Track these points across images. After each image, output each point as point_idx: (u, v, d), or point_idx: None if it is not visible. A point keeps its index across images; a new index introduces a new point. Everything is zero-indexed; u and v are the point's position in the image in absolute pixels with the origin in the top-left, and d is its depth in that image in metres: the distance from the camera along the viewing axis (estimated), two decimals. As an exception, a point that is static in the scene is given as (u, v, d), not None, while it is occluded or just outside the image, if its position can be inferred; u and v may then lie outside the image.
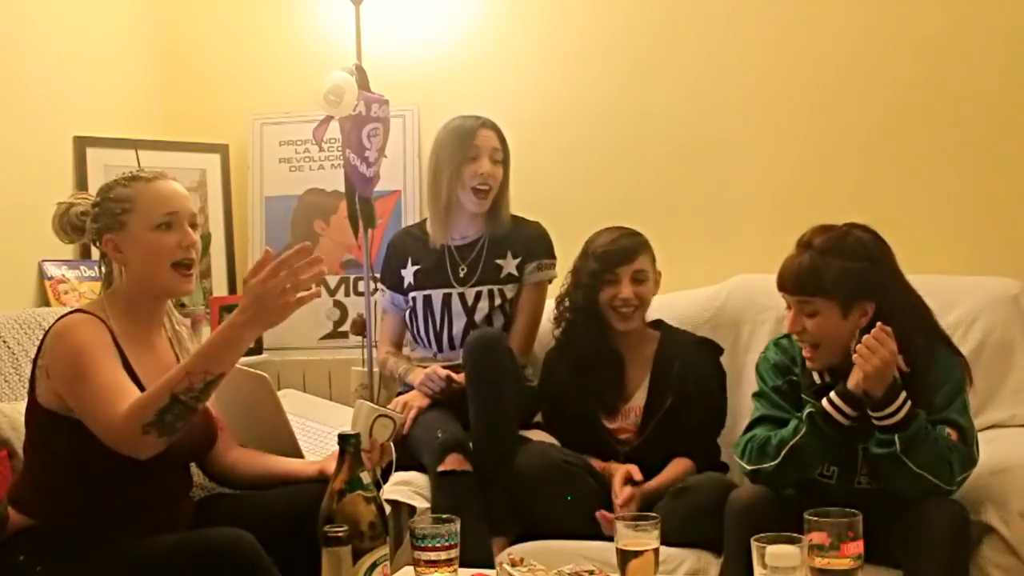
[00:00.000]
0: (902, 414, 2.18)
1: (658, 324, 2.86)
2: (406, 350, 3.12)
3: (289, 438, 2.62)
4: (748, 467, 2.33)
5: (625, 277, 2.73)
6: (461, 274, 2.96)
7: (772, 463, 2.28)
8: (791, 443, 2.26)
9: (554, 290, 2.98)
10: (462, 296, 2.94)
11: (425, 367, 2.89)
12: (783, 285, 2.32)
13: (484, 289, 2.94)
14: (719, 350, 2.81)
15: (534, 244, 2.98)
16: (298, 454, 2.65)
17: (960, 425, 2.26)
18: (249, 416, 2.74)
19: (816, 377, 2.36)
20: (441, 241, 2.99)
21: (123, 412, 1.91)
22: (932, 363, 2.31)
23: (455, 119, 3.00)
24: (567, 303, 2.83)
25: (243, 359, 3.36)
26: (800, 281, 2.28)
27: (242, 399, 2.74)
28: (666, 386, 2.71)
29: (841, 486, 2.33)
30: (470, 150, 2.92)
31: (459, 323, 2.93)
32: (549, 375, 2.86)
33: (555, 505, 2.52)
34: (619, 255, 2.73)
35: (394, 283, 3.05)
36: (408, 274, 3.01)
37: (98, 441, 1.96)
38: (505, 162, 2.97)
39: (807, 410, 2.28)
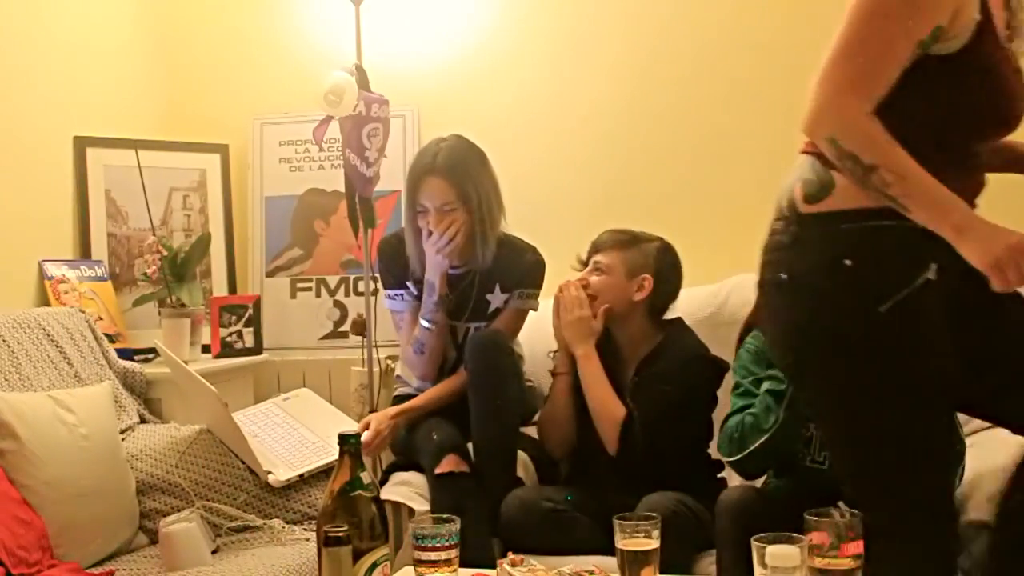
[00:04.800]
0: None
1: (669, 324, 2.78)
2: (398, 366, 3.09)
3: (247, 454, 2.70)
4: (730, 459, 2.35)
5: (589, 266, 2.75)
6: (451, 307, 2.85)
7: (758, 441, 2.29)
8: (768, 427, 2.28)
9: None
10: (453, 329, 2.88)
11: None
12: None
13: (472, 326, 2.87)
14: (714, 370, 2.66)
15: (522, 278, 2.86)
16: (256, 466, 2.68)
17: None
18: (210, 421, 2.81)
19: None
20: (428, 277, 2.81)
21: (858, 106, 1.66)
22: None
23: (421, 149, 2.87)
24: None
25: (243, 359, 3.43)
26: None
27: (205, 410, 2.80)
28: (637, 395, 2.62)
29: (833, 472, 2.34)
30: (417, 205, 2.75)
31: (450, 355, 2.89)
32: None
33: (545, 548, 2.35)
34: (593, 246, 2.77)
35: (400, 281, 2.90)
36: (412, 286, 2.90)
37: None
38: (467, 202, 2.73)
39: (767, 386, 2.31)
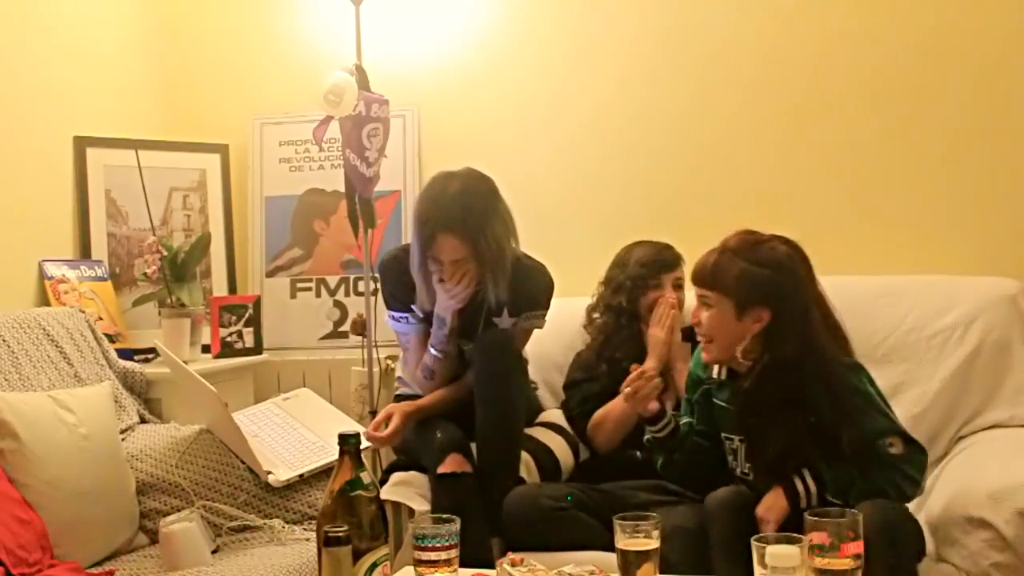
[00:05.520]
0: (665, 432, 2.47)
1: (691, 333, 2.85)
2: (398, 366, 3.06)
3: (247, 454, 2.69)
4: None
5: (668, 282, 2.88)
6: (458, 329, 2.80)
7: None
8: (660, 462, 2.51)
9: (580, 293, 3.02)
10: (461, 350, 2.83)
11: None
12: (692, 277, 2.43)
13: None
14: None
15: (530, 302, 2.81)
16: (256, 466, 2.68)
17: (895, 429, 2.28)
18: (210, 421, 2.79)
19: (714, 372, 2.46)
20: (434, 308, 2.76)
21: None
22: (826, 381, 2.30)
23: (423, 193, 2.74)
24: (602, 309, 2.93)
25: (243, 359, 3.44)
26: (702, 274, 2.38)
27: (205, 410, 2.78)
28: None
29: (760, 481, 2.35)
30: (432, 260, 2.67)
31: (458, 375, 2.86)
32: (583, 370, 2.88)
33: (546, 545, 2.38)
34: (663, 263, 2.90)
35: (406, 301, 2.82)
36: (416, 308, 2.83)
37: None
38: (479, 253, 2.63)
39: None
